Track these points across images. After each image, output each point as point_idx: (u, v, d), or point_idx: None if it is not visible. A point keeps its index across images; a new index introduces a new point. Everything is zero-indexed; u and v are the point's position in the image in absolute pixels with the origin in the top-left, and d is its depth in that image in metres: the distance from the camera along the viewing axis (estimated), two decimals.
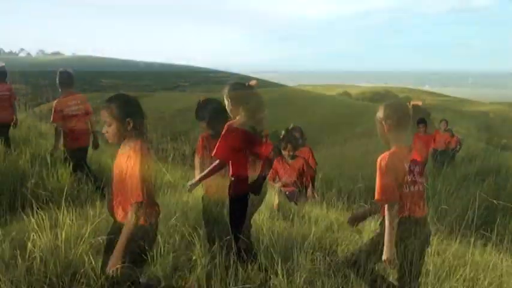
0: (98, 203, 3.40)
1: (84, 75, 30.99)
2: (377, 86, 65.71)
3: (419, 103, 3.32)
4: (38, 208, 2.99)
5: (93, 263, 2.53)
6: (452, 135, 10.14)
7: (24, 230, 2.99)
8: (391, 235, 2.38)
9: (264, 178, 3.00)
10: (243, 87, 3.01)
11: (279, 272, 2.65)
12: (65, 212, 2.99)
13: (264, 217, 4.60)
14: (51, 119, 5.03)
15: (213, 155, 2.83)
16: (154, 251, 2.59)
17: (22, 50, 70.98)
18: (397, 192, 2.41)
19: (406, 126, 2.53)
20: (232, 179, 2.87)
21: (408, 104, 2.65)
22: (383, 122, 2.52)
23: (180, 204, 3.80)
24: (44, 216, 2.86)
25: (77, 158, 4.78)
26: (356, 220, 2.93)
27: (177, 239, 3.09)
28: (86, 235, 2.77)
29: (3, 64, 6.22)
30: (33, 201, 3.20)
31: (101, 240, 2.58)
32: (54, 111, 4.93)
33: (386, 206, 2.40)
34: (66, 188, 3.61)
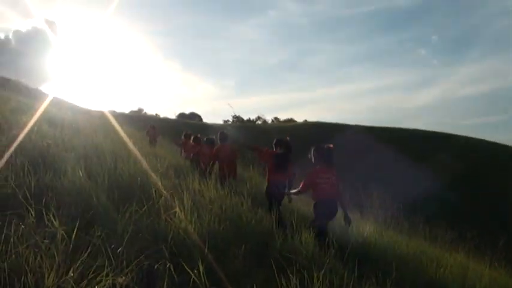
0: (345, 274, 3.19)
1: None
2: None
3: (331, 146, 4.11)
4: (290, 272, 2.97)
5: None
6: None
7: None
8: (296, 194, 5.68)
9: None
10: (324, 147, 5.43)
11: None
12: (315, 280, 2.88)
13: None
14: (213, 150, 8.19)
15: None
16: None
17: (259, 118, 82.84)
18: (306, 188, 5.29)
19: (321, 157, 5.30)
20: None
21: (326, 146, 5.33)
22: (312, 155, 5.35)
23: None
24: (296, 283, 2.81)
25: (221, 179, 7.12)
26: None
27: None
28: None
29: (227, 132, 9.21)
30: (284, 264, 3.22)
31: None
32: (213, 152, 8.02)
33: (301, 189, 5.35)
34: (312, 253, 3.56)
